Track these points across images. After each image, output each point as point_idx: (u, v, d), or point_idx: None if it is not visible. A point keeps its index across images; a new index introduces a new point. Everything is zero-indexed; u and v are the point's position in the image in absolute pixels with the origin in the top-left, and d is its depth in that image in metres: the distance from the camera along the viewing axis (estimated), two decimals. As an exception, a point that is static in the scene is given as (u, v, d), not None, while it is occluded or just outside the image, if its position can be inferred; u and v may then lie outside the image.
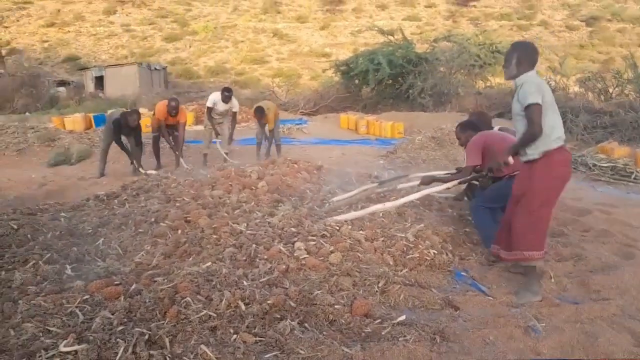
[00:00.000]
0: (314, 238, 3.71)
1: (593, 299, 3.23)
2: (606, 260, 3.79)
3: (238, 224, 3.99)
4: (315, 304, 2.88)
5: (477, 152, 4.07)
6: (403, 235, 3.97)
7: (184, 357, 2.31)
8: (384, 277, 3.30)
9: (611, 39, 38.05)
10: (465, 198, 5.00)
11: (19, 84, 21.15)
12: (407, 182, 5.15)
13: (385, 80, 17.79)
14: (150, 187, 5.57)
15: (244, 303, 2.77)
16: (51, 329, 2.46)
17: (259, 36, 39.47)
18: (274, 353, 2.43)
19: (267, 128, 8.73)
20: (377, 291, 3.19)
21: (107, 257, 3.72)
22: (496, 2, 44.32)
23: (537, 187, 3.17)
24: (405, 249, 3.79)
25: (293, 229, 3.85)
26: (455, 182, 4.25)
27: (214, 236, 3.80)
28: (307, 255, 3.46)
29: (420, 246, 3.82)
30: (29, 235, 4.16)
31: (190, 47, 37.71)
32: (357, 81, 18.89)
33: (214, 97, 8.25)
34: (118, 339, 2.34)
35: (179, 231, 4.01)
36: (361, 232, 3.96)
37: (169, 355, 2.31)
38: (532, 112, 3.05)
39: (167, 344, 2.40)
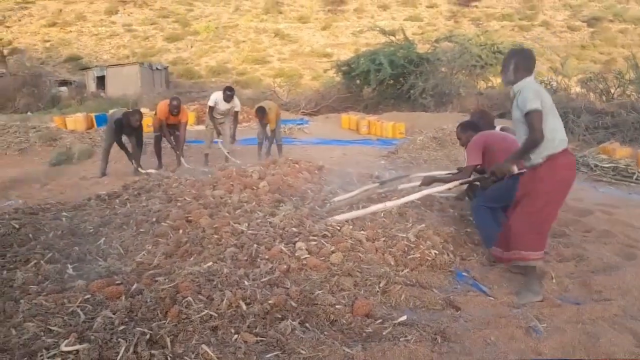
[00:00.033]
0: (315, 238, 3.71)
1: (594, 300, 3.23)
2: (608, 261, 3.79)
3: (239, 223, 3.99)
4: (317, 304, 2.89)
5: (478, 152, 4.06)
6: (404, 235, 3.97)
7: (185, 357, 2.31)
8: (385, 277, 3.30)
9: (613, 39, 38.02)
10: (467, 198, 5.00)
11: (20, 83, 21.19)
12: (408, 182, 5.15)
13: (387, 80, 17.79)
14: (152, 186, 5.57)
15: (245, 303, 2.77)
16: (52, 328, 2.46)
17: (260, 36, 39.51)
18: (275, 353, 2.43)
19: (268, 128, 8.74)
20: (378, 291, 3.19)
21: (109, 256, 3.72)
22: (498, 2, 44.30)
23: (540, 189, 3.17)
24: (406, 249, 3.79)
25: (294, 229, 3.85)
26: (457, 182, 4.25)
27: (215, 236, 3.81)
28: (308, 255, 3.45)
29: (421, 246, 3.82)
30: (30, 235, 4.17)
31: (191, 47, 37.74)
32: (358, 81, 18.91)
33: (216, 97, 8.25)
34: (119, 339, 2.34)
35: (180, 231, 4.01)
36: (362, 232, 3.96)
37: (170, 354, 2.31)
38: (533, 119, 3.06)
39: (168, 343, 2.40)
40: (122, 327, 2.44)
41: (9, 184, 7.31)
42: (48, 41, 37.00)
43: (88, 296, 2.81)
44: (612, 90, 14.24)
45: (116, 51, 36.40)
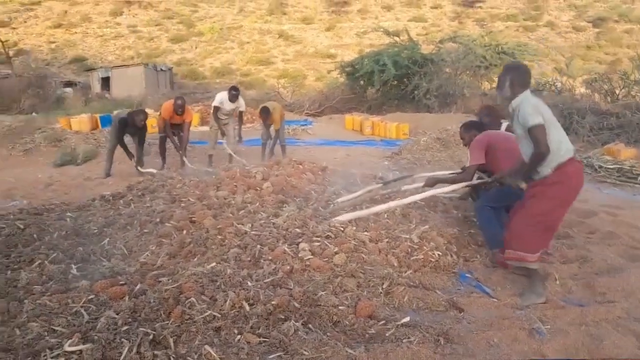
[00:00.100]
0: (319, 239, 3.71)
1: (598, 302, 3.22)
2: (612, 263, 3.78)
3: (243, 224, 4.00)
4: (320, 305, 2.89)
5: (481, 151, 4.05)
6: (407, 236, 3.97)
7: (188, 357, 2.32)
8: (388, 279, 3.30)
9: (618, 40, 37.84)
10: (470, 199, 4.99)
11: (26, 84, 21.27)
12: (411, 182, 5.14)
13: (391, 81, 17.77)
14: (156, 187, 5.59)
15: (248, 304, 2.78)
16: (56, 328, 2.47)
17: (264, 37, 39.55)
18: (277, 354, 2.44)
19: (272, 128, 8.74)
20: (381, 292, 3.19)
21: (113, 257, 3.73)
22: (502, 3, 44.19)
23: (548, 193, 3.17)
24: (409, 250, 3.79)
25: (297, 230, 3.86)
26: (461, 185, 4.23)
27: (219, 237, 3.81)
28: (312, 256, 3.46)
29: (424, 247, 3.82)
30: (35, 235, 4.19)
31: (196, 48, 37.83)
32: (362, 82, 18.87)
33: (221, 97, 8.25)
34: (123, 339, 2.35)
35: (184, 231, 4.03)
36: (366, 233, 3.96)
37: (173, 355, 2.32)
38: (537, 133, 3.06)
39: (172, 344, 2.41)
40: (125, 328, 2.46)
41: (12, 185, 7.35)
42: (53, 42, 37.17)
43: (92, 296, 2.83)
44: (617, 91, 14.15)
45: (121, 52, 36.52)
